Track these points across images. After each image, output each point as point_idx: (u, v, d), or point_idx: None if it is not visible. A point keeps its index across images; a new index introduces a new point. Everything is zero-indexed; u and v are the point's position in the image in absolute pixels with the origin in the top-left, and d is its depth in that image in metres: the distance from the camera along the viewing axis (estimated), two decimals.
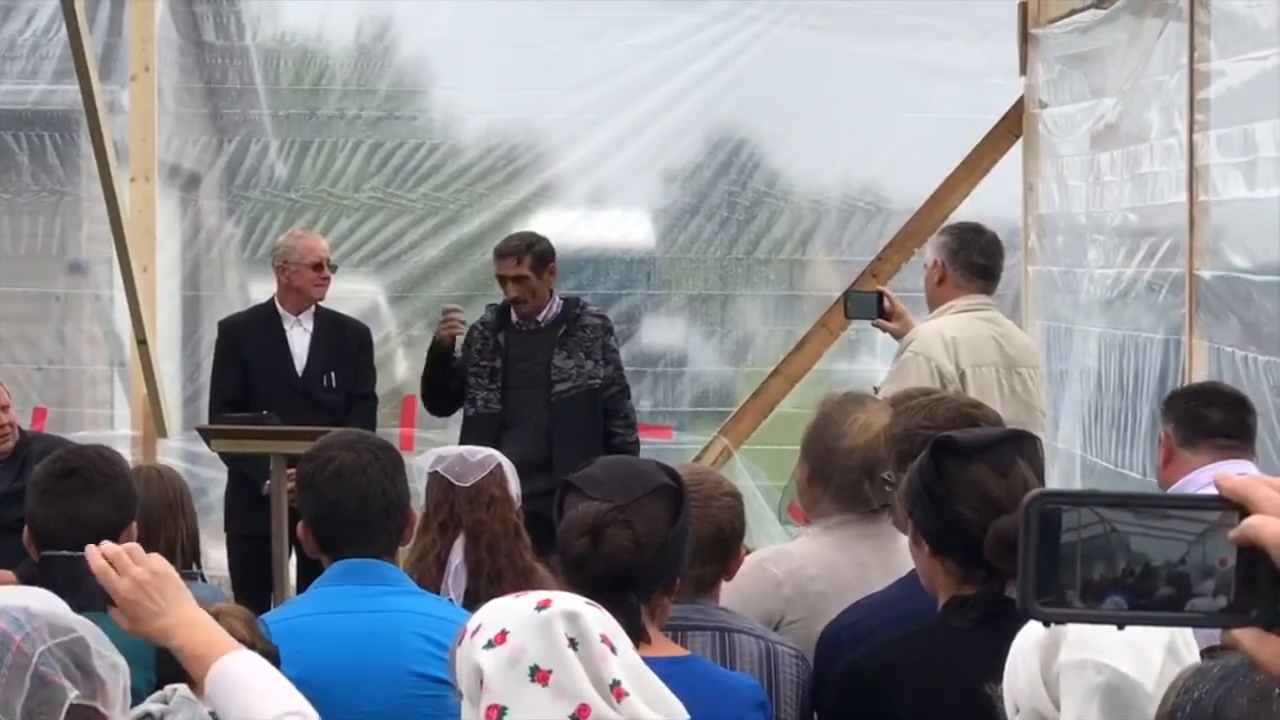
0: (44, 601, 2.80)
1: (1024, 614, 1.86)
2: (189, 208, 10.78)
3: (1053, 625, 2.51)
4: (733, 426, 10.21)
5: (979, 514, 3.53)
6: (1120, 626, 1.86)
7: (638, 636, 3.46)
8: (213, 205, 10.73)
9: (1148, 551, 1.84)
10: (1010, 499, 3.52)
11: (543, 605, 2.90)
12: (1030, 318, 9.66)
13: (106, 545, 3.08)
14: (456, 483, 5.13)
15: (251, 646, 3.15)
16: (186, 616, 3.03)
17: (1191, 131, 7.38)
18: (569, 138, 10.61)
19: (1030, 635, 2.56)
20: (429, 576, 4.90)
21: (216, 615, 3.21)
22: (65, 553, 3.17)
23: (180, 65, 10.53)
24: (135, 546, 3.09)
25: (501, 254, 8.46)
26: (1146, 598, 1.83)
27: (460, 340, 8.55)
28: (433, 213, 10.55)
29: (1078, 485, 8.90)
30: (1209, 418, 5.30)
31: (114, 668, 2.72)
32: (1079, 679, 2.47)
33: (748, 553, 4.40)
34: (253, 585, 8.07)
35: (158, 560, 3.06)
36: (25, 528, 4.31)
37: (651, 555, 3.49)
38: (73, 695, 2.64)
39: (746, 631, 4.01)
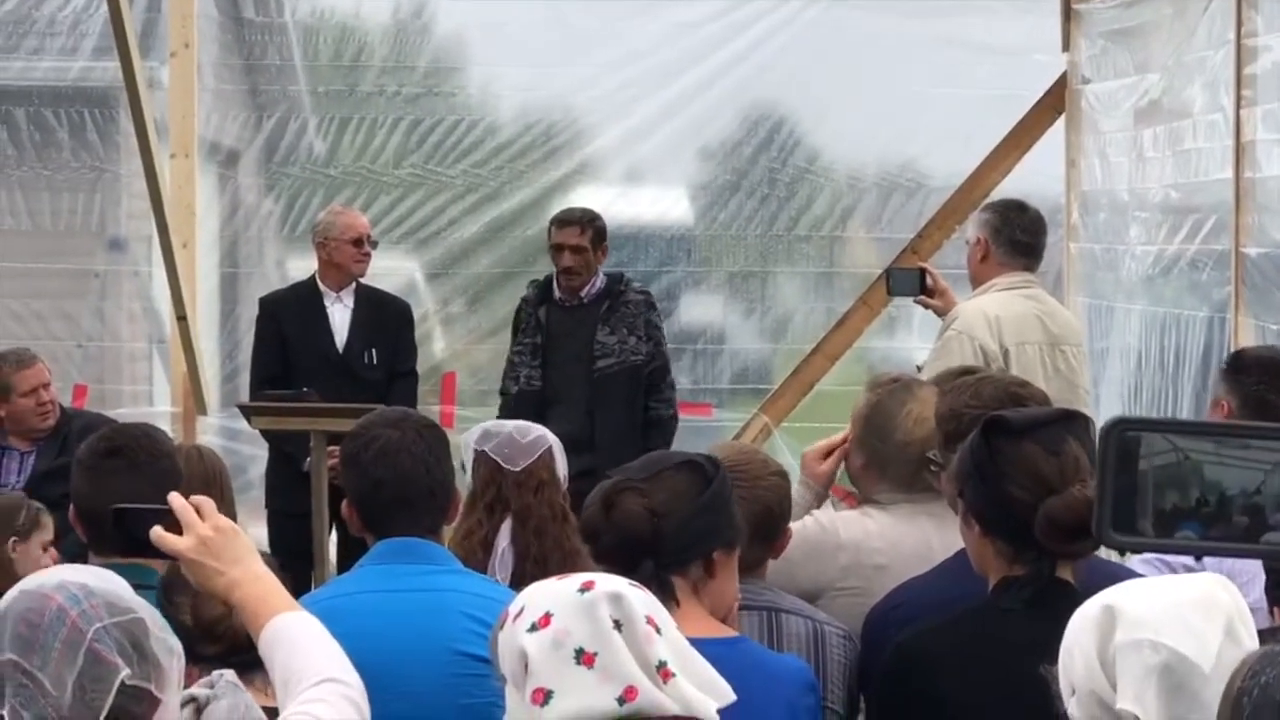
0: (104, 580, 2.80)
1: (1099, 541, 1.82)
2: (228, 185, 10.78)
3: (1108, 603, 2.48)
4: (773, 404, 10.20)
5: (1030, 493, 3.51)
6: (1198, 558, 1.83)
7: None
8: (251, 182, 10.73)
9: (1222, 480, 1.81)
10: (1061, 479, 3.50)
11: (586, 587, 2.88)
12: (1072, 295, 9.62)
13: (175, 499, 3.10)
14: (506, 466, 5.11)
15: None
16: (251, 572, 3.07)
17: (1239, 107, 7.33)
18: (608, 115, 10.59)
19: (1086, 617, 2.53)
20: (474, 557, 4.88)
21: None
22: (137, 505, 3.19)
23: (220, 42, 10.52)
24: (205, 501, 3.12)
25: (564, 222, 8.50)
26: (1220, 528, 1.79)
27: None
28: (472, 189, 10.54)
29: None
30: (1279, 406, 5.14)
31: (170, 651, 2.72)
32: (1136, 658, 2.44)
33: None
34: (293, 562, 8.06)
35: (224, 518, 3.08)
36: (71, 505, 4.31)
37: (671, 525, 3.50)
38: (124, 675, 2.64)
39: (794, 612, 3.99)
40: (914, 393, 4.54)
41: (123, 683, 2.64)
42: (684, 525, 3.51)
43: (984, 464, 3.57)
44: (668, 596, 3.46)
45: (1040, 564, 3.52)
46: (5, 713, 2.60)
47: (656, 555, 3.49)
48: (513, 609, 2.90)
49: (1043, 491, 3.50)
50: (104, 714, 2.63)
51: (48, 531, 5.66)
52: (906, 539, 4.40)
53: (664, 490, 3.53)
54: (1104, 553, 4.06)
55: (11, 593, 2.76)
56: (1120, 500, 1.83)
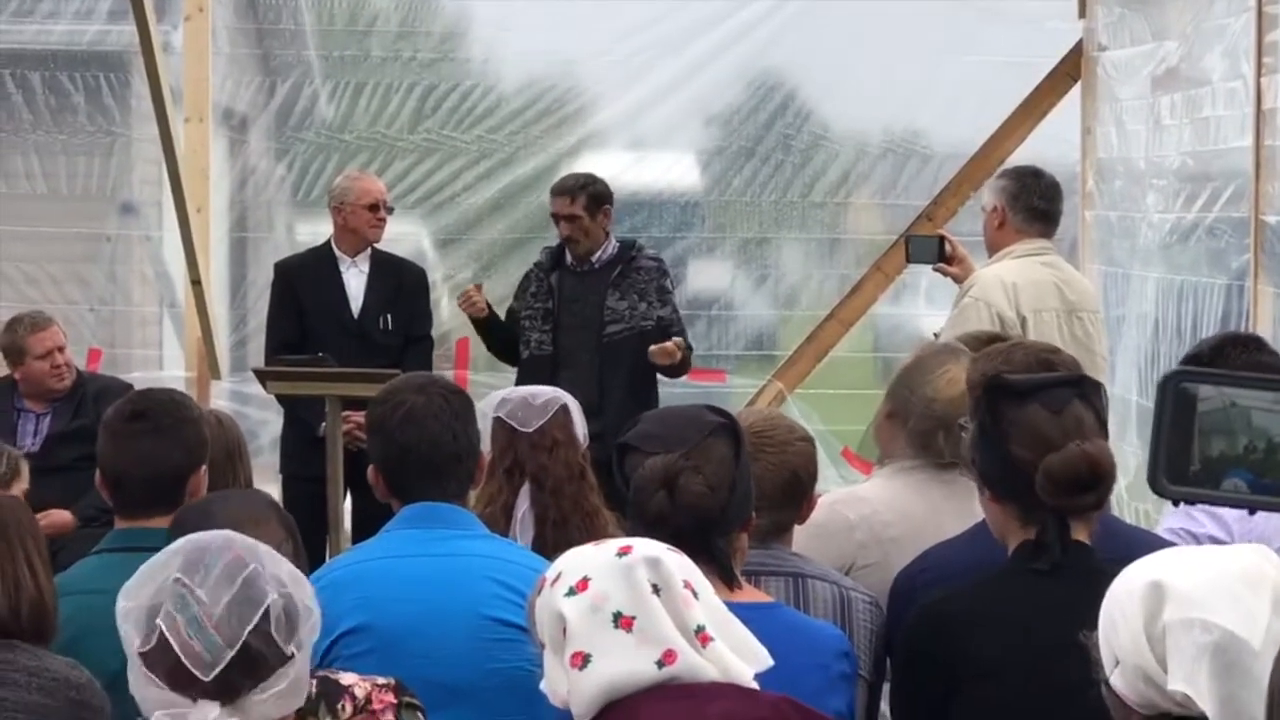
0: (288, 570, 2.83)
1: (1153, 491, 1.82)
2: (239, 150, 10.75)
3: (1154, 578, 2.46)
4: (787, 370, 10.18)
5: (1031, 451, 3.51)
6: (1251, 511, 1.82)
7: (730, 581, 3.45)
8: (263, 147, 10.70)
9: (1269, 427, 1.80)
10: (1062, 436, 3.50)
11: (624, 551, 2.88)
12: (1087, 263, 9.60)
13: None
14: (519, 428, 5.10)
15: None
16: None
17: (1259, 74, 7.30)
18: (621, 81, 10.57)
19: (1131, 590, 2.49)
20: (496, 524, 4.86)
21: (258, 525, 3.33)
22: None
23: (233, 6, 10.50)
24: None
25: (556, 192, 8.52)
26: (1271, 475, 1.78)
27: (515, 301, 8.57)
28: (485, 155, 10.52)
29: (1132, 433, 8.86)
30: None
31: (314, 647, 2.78)
32: (1187, 638, 2.41)
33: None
34: (307, 527, 8.02)
35: None
36: (97, 469, 4.31)
37: (725, 496, 3.47)
38: (273, 599, 2.71)
39: (820, 577, 3.98)
40: (956, 358, 4.50)
41: (268, 631, 2.70)
42: (735, 494, 3.49)
43: (987, 426, 3.57)
44: (730, 577, 3.46)
45: (1054, 525, 3.52)
46: (162, 619, 2.69)
47: (719, 530, 3.46)
48: (550, 574, 2.90)
49: (1044, 450, 3.50)
50: (248, 630, 2.69)
51: (24, 481, 5.59)
52: (915, 507, 4.38)
53: (711, 461, 3.47)
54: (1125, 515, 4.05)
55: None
56: (1174, 451, 1.83)
